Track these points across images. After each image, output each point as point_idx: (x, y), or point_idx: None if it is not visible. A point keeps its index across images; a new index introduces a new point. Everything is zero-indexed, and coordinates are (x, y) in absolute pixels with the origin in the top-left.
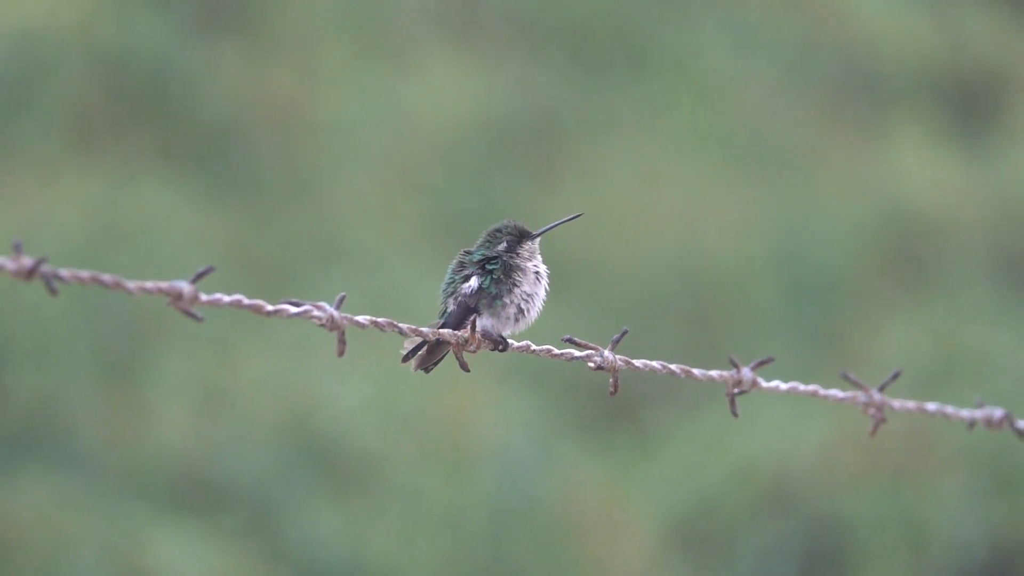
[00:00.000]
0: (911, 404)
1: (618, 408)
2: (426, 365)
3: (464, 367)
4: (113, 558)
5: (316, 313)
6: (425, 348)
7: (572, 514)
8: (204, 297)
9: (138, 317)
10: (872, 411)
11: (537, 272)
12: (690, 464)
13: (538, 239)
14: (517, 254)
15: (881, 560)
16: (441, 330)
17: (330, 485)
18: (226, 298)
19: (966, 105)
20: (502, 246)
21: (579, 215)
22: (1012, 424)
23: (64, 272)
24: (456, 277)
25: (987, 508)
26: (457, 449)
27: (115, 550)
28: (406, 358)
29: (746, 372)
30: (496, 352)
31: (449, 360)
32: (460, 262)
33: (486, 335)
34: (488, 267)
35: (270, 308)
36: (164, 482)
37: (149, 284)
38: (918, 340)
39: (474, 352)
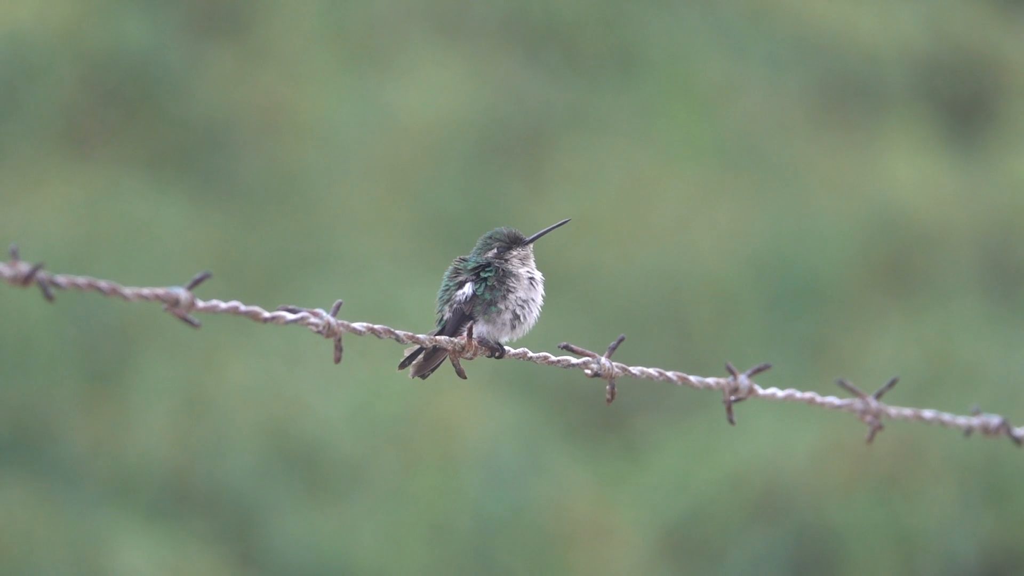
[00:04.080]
0: (908, 411)
1: (608, 415)
2: (423, 372)
3: (460, 374)
4: (91, 564)
5: (313, 320)
6: (422, 355)
7: (561, 521)
8: (200, 303)
9: (121, 322)
10: (869, 419)
11: (532, 278)
12: (680, 472)
13: (530, 245)
14: (506, 260)
15: (870, 568)
16: (438, 337)
17: (315, 491)
18: (223, 304)
19: (958, 111)
20: (492, 252)
21: (567, 221)
22: (1009, 431)
23: (61, 279)
24: (451, 284)
25: (977, 517)
26: (444, 455)
27: (94, 556)
28: (403, 365)
29: (743, 379)
30: (493, 358)
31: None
32: (455, 269)
33: (483, 342)
34: (482, 274)
35: (267, 315)
36: (146, 488)
37: (146, 291)
38: (909, 348)
39: (471, 359)
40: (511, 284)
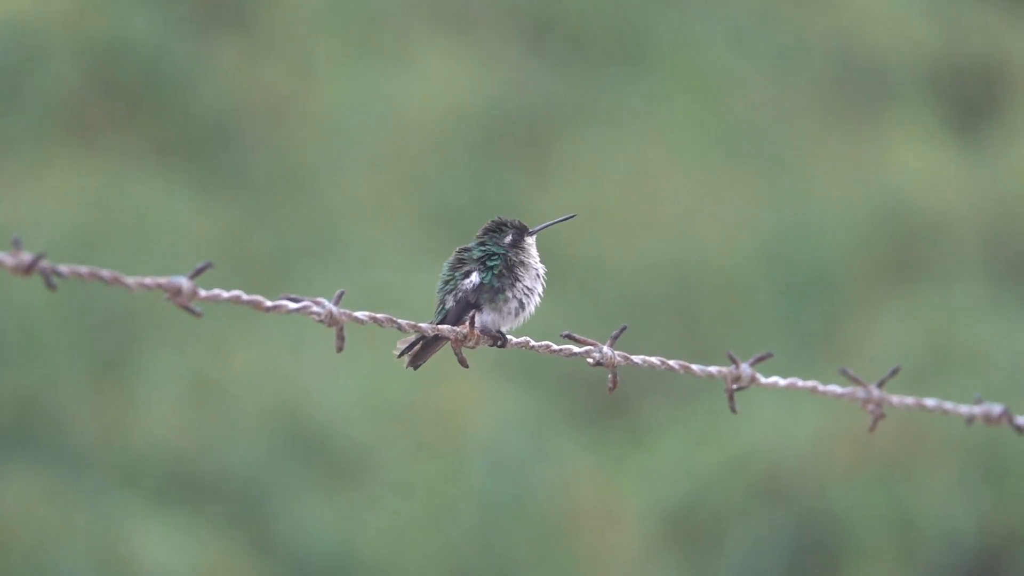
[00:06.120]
0: (910, 400)
1: (611, 400)
2: (416, 362)
3: (463, 363)
4: (102, 551)
5: (315, 309)
6: (420, 345)
7: (565, 506)
8: (203, 293)
9: (128, 310)
10: (871, 407)
11: (537, 268)
12: (683, 456)
13: (535, 236)
14: (523, 249)
15: (872, 552)
16: (441, 326)
17: (321, 478)
18: (225, 294)
19: (962, 100)
20: (508, 239)
21: (573, 216)
22: (1011, 420)
23: (63, 268)
24: (455, 274)
25: (977, 499)
26: (449, 442)
27: (104, 543)
28: (402, 354)
29: (745, 368)
30: (496, 347)
31: (442, 353)
32: (459, 259)
33: (485, 331)
34: (489, 263)
35: (269, 304)
36: (154, 475)
37: (148, 280)
38: (913, 336)
39: (473, 348)
40: (519, 272)
